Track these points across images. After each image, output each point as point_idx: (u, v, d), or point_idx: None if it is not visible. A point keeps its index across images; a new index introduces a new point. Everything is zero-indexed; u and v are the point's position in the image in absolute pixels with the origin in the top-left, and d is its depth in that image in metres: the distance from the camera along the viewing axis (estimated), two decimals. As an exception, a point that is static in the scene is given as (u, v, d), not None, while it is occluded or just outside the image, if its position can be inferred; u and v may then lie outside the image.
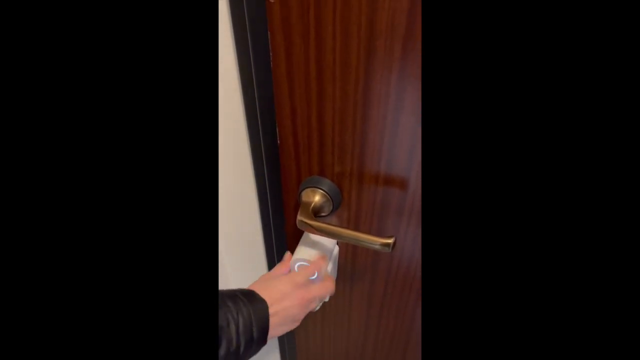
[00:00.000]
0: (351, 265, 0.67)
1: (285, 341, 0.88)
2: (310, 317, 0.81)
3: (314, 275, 0.53)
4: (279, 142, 0.55)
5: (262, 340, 0.44)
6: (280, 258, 0.69)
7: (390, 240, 0.49)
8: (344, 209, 0.59)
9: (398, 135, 0.49)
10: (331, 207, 0.57)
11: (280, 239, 0.67)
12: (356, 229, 0.60)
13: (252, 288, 0.48)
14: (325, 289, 0.53)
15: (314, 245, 0.59)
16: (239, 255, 0.77)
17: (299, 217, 0.53)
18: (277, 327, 0.46)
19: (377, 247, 0.49)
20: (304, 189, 0.56)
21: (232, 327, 0.41)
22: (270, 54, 0.47)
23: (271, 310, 0.45)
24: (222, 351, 0.40)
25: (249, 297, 0.45)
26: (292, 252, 0.59)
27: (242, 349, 0.42)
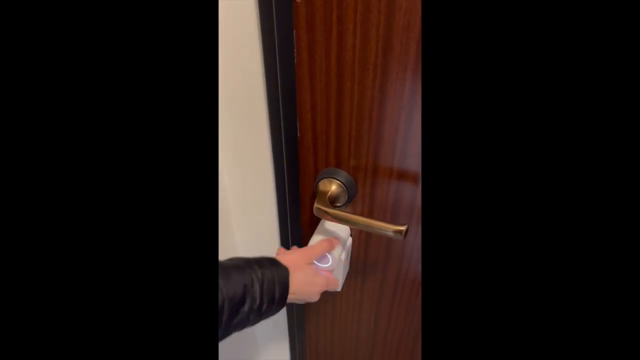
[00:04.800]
0: (363, 258, 0.70)
1: (296, 334, 0.91)
2: (321, 311, 0.84)
3: (326, 251, 0.57)
4: (298, 135, 0.59)
5: (282, 301, 0.48)
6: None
7: (403, 228, 0.51)
8: (358, 200, 0.62)
9: (412, 130, 0.52)
10: (346, 198, 0.60)
11: (295, 228, 0.70)
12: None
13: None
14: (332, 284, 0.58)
15: (328, 234, 0.62)
16: (254, 244, 0.80)
17: (316, 205, 0.56)
18: (294, 294, 0.50)
19: (390, 233, 0.52)
20: (321, 179, 0.59)
21: (257, 286, 0.45)
22: (295, 50, 0.51)
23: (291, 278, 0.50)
24: (245, 307, 0.43)
25: (272, 263, 0.49)
26: (306, 241, 0.62)
27: (264, 307, 0.45)
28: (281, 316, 0.91)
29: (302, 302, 0.55)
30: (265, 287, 0.46)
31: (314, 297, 0.54)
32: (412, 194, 0.58)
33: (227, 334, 0.43)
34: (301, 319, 0.87)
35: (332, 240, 0.59)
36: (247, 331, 0.91)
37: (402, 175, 0.57)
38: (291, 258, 0.52)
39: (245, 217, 0.76)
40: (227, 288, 0.42)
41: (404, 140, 0.53)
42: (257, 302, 0.45)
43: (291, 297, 0.50)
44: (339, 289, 0.69)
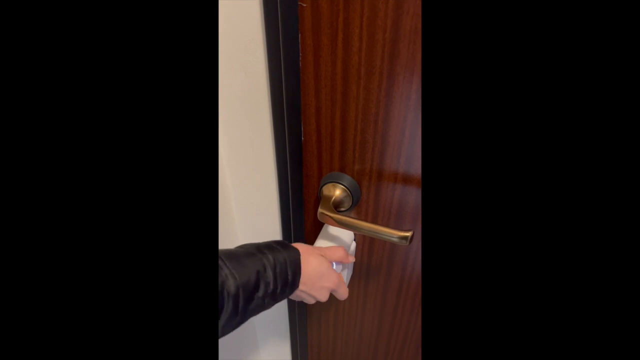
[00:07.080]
0: (367, 262, 0.69)
1: (297, 336, 0.90)
2: (323, 314, 0.83)
3: (340, 259, 0.56)
4: (302, 139, 0.58)
5: (295, 282, 0.48)
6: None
7: (409, 234, 0.51)
8: (362, 205, 0.61)
9: (417, 135, 0.51)
10: (351, 202, 0.59)
11: (299, 233, 0.69)
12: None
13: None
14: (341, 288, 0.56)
15: (332, 239, 0.61)
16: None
17: (320, 210, 0.56)
18: (305, 284, 0.49)
19: (395, 239, 0.52)
20: (325, 184, 0.59)
21: (269, 271, 0.45)
22: (300, 54, 0.50)
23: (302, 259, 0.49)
24: (260, 292, 0.44)
25: (283, 245, 0.49)
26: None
27: (278, 289, 0.46)
28: (282, 317, 0.91)
29: (311, 300, 0.53)
30: (278, 270, 0.46)
31: (324, 294, 0.52)
32: (417, 199, 0.57)
33: (243, 319, 0.44)
34: (303, 320, 0.87)
35: (348, 256, 0.57)
36: (248, 331, 0.90)
37: (407, 180, 0.56)
38: (302, 245, 0.52)
39: (248, 222, 0.75)
40: (239, 275, 0.42)
41: (410, 144, 0.52)
42: (271, 286, 0.45)
43: (302, 287, 0.49)
44: (344, 297, 0.68)
